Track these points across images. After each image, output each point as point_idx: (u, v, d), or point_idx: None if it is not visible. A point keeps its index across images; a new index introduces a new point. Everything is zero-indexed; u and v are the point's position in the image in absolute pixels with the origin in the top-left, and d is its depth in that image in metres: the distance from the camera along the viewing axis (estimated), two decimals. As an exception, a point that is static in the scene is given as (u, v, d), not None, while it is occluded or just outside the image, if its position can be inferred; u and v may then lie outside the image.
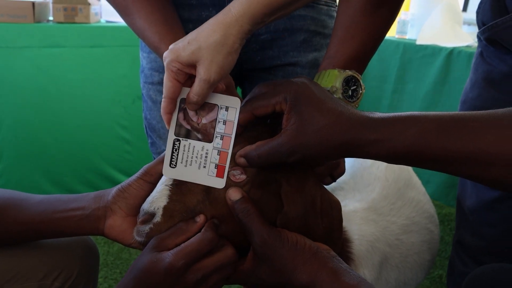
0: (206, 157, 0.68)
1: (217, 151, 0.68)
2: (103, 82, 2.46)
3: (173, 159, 0.68)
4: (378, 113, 0.62)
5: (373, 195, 1.16)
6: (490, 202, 1.22)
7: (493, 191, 1.21)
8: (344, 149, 0.60)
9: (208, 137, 0.68)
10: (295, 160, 0.62)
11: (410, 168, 1.31)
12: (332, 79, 0.81)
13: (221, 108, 0.68)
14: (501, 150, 0.56)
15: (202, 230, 0.65)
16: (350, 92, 0.82)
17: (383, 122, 0.59)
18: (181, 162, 0.68)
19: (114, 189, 0.74)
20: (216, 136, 0.68)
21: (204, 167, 0.68)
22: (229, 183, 0.68)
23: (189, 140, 0.68)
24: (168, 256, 0.63)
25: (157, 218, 0.67)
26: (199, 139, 0.68)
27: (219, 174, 0.68)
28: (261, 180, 0.68)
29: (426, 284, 1.98)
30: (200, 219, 0.67)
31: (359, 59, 0.86)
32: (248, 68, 1.09)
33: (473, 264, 1.31)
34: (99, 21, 2.58)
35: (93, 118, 2.49)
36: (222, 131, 0.68)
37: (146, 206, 0.68)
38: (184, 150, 0.68)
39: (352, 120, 0.60)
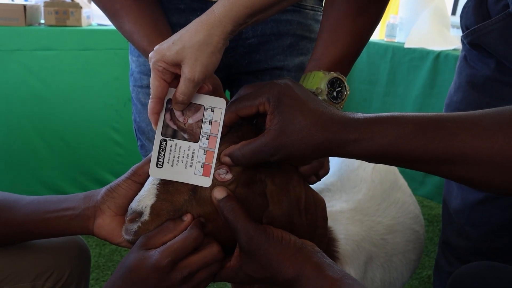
0: (192, 156, 0.69)
1: (203, 150, 0.69)
2: (94, 85, 2.46)
3: (159, 159, 0.69)
4: (359, 113, 0.63)
5: (359, 196, 1.18)
6: (474, 204, 1.24)
7: (477, 193, 1.23)
8: (325, 148, 0.62)
9: (194, 137, 0.69)
10: (279, 159, 0.63)
11: (396, 170, 1.33)
12: (317, 81, 0.82)
13: (207, 108, 0.69)
14: (477, 150, 0.57)
15: (188, 228, 0.67)
16: (334, 94, 0.83)
17: (363, 122, 0.61)
18: (168, 162, 0.69)
19: (103, 189, 0.76)
20: (202, 136, 0.69)
21: (191, 166, 0.69)
22: (215, 183, 0.69)
23: (176, 140, 0.69)
24: (154, 254, 0.64)
25: (145, 217, 0.68)
26: (185, 139, 0.69)
27: (206, 173, 0.69)
28: (247, 180, 0.69)
29: (415, 284, 2.00)
30: (187, 218, 0.68)
31: (344, 61, 0.87)
32: (235, 72, 1.10)
33: (458, 264, 1.32)
34: (90, 25, 2.59)
35: (85, 121, 2.49)
36: (208, 131, 0.69)
37: (134, 205, 0.70)
38: (170, 150, 0.69)
39: (333, 120, 0.61)
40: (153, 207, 0.69)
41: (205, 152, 0.69)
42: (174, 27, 1.00)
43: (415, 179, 2.65)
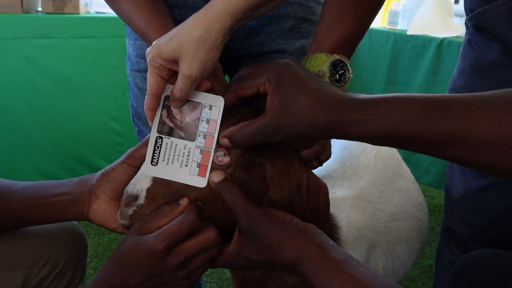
0: (188, 155, 0.68)
1: (199, 150, 0.68)
2: (93, 73, 2.44)
3: (154, 157, 0.68)
4: (363, 94, 0.62)
5: (361, 183, 1.16)
6: (478, 190, 1.22)
7: (481, 179, 1.21)
8: (327, 129, 0.60)
9: (191, 136, 0.68)
10: (279, 140, 0.62)
11: (399, 157, 1.31)
12: (319, 63, 0.80)
13: (205, 106, 0.67)
14: (485, 131, 0.56)
15: (184, 212, 0.65)
16: (337, 77, 0.81)
17: (367, 102, 0.59)
18: (163, 160, 0.68)
19: (98, 174, 0.74)
20: (199, 135, 0.68)
21: (186, 165, 0.68)
22: (213, 166, 0.68)
23: (172, 138, 0.68)
24: (149, 238, 0.63)
25: (141, 201, 0.67)
26: (181, 138, 0.68)
27: (201, 173, 0.67)
28: (246, 163, 0.68)
29: (416, 273, 1.99)
30: (184, 202, 0.67)
31: (347, 44, 0.85)
32: (235, 55, 1.08)
33: (460, 252, 1.31)
34: (89, 12, 2.56)
35: (83, 110, 2.47)
36: (205, 130, 0.67)
37: (129, 188, 0.68)
38: (166, 148, 0.68)
39: (336, 100, 0.60)
40: (149, 190, 0.67)
41: (201, 151, 0.68)
42: (172, 8, 0.98)
43: (419, 167, 2.63)
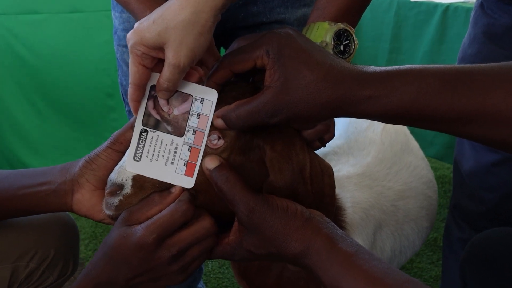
0: (175, 152, 0.62)
1: (188, 146, 0.62)
2: (85, 49, 2.36)
3: (138, 152, 0.62)
4: (373, 66, 0.56)
5: (368, 160, 1.11)
6: (489, 166, 1.18)
7: (492, 154, 1.17)
8: (335, 107, 0.54)
9: (179, 131, 0.62)
10: (279, 121, 0.56)
11: (407, 132, 1.26)
12: (321, 33, 0.74)
13: (196, 99, 0.61)
14: None
15: (176, 201, 0.60)
16: (341, 48, 0.76)
17: (379, 76, 0.53)
18: (147, 156, 0.62)
19: (81, 161, 0.68)
20: (188, 130, 0.61)
21: (172, 163, 0.62)
22: (207, 150, 0.62)
23: (158, 132, 0.62)
24: (138, 230, 0.58)
25: (127, 190, 0.62)
26: (168, 132, 0.62)
27: (188, 173, 0.62)
28: (242, 146, 0.62)
29: (421, 247, 1.96)
30: (176, 190, 0.61)
31: (352, 11, 0.79)
32: (231, 27, 1.01)
33: (469, 229, 1.29)
34: (77, -15, 2.46)
35: (77, 88, 2.40)
36: (195, 125, 0.61)
37: (113, 176, 0.63)
38: (151, 143, 0.62)
39: (344, 74, 0.54)
40: (135, 178, 0.62)
41: (190, 148, 0.61)
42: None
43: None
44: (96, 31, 2.34)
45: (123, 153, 0.65)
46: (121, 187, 0.62)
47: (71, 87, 2.38)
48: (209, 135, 0.61)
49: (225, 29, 1.02)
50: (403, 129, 1.24)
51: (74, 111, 2.43)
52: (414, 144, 1.24)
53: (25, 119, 2.34)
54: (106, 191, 0.63)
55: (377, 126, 1.18)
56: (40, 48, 2.28)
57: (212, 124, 0.61)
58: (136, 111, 0.61)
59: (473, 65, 0.54)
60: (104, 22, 2.34)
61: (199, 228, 0.60)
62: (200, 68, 0.62)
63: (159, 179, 0.62)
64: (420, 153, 1.23)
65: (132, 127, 0.63)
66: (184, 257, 0.61)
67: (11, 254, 0.82)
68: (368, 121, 1.20)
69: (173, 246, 0.59)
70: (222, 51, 1.04)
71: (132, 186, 0.62)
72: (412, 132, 1.28)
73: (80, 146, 2.48)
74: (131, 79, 0.58)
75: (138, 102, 0.60)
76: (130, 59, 0.57)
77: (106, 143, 0.67)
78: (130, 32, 0.56)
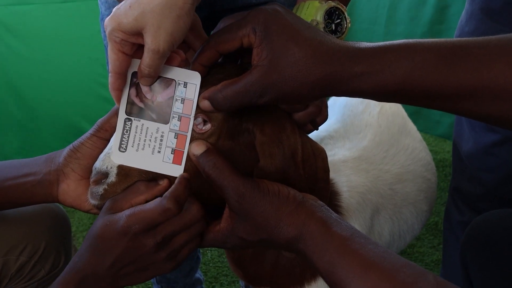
0: (161, 140, 0.60)
1: (174, 134, 0.60)
2: (77, 39, 2.33)
3: (123, 142, 0.60)
4: (365, 42, 0.53)
5: (364, 143, 1.09)
6: (488, 147, 1.17)
7: (492, 135, 1.15)
8: (325, 84, 0.52)
9: (164, 118, 0.60)
10: (268, 101, 0.54)
11: (404, 114, 1.24)
12: (312, 12, 0.71)
13: (179, 84, 0.59)
14: None
15: (163, 197, 0.57)
16: (333, 27, 0.73)
17: (371, 52, 0.51)
18: (132, 146, 0.60)
19: (66, 150, 0.66)
20: (173, 117, 0.59)
21: (159, 152, 0.60)
22: (193, 136, 0.60)
23: (142, 121, 0.60)
24: (121, 217, 0.56)
25: (112, 178, 0.60)
26: (153, 120, 0.60)
27: (176, 161, 0.60)
28: (230, 130, 0.60)
29: (422, 231, 1.95)
30: (164, 183, 0.59)
31: None
32: (219, 9, 0.98)
33: (470, 212, 1.27)
34: (68, -26, 2.43)
35: (70, 78, 2.37)
36: (180, 111, 0.59)
37: (98, 164, 0.61)
38: (136, 132, 0.60)
39: (334, 51, 0.52)
40: (120, 166, 0.60)
41: (176, 135, 0.60)
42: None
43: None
44: (87, 21, 2.31)
45: (109, 141, 0.63)
46: (106, 175, 0.60)
47: (65, 78, 2.35)
48: (194, 118, 0.59)
49: (213, 11, 0.98)
50: (400, 111, 1.22)
51: (66, 101, 2.40)
52: (412, 126, 1.22)
53: (16, 110, 2.32)
54: (91, 180, 0.61)
55: (374, 109, 1.16)
56: (31, 38, 2.24)
57: (198, 106, 0.58)
58: (119, 100, 0.59)
59: (470, 38, 0.52)
60: (96, 11, 2.25)
61: (186, 214, 0.58)
62: (181, 51, 0.60)
63: (146, 169, 0.60)
64: (418, 135, 1.21)
65: (116, 114, 0.61)
66: (171, 244, 0.58)
67: (1, 247, 0.80)
68: (364, 104, 1.18)
69: (158, 233, 0.57)
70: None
71: (117, 174, 0.60)
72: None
73: (73, 136, 2.47)
74: (111, 67, 0.56)
75: (119, 91, 0.58)
76: (109, 47, 0.55)
77: (90, 131, 0.65)
78: (107, 19, 0.54)
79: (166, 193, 0.57)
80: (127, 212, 0.56)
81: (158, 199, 0.57)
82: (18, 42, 2.23)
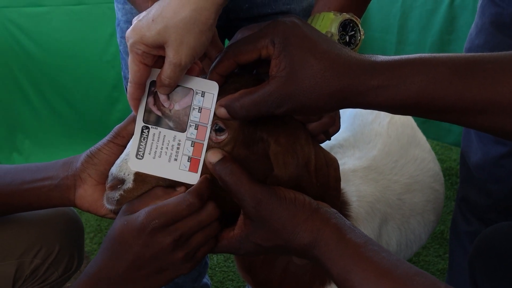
0: (178, 148, 0.61)
1: (190, 142, 0.61)
2: (90, 42, 2.36)
3: (140, 149, 0.61)
4: (381, 56, 0.54)
5: (374, 153, 1.10)
6: (497, 158, 1.17)
7: (500, 146, 1.16)
8: (342, 97, 0.53)
9: (181, 126, 0.61)
10: (285, 111, 0.55)
11: (414, 124, 1.24)
12: (327, 24, 0.73)
13: (197, 93, 0.60)
14: None
15: (186, 193, 0.58)
16: (347, 38, 0.75)
17: (387, 65, 0.52)
18: (149, 153, 0.61)
19: (83, 155, 0.67)
20: (190, 125, 0.60)
21: (176, 159, 0.61)
22: (210, 145, 0.61)
23: (159, 129, 0.61)
24: (140, 214, 0.57)
25: (128, 184, 0.61)
26: (170, 128, 0.61)
27: (193, 169, 0.61)
28: (246, 139, 0.61)
29: (428, 240, 1.94)
30: (181, 189, 0.60)
31: (358, 1, 0.77)
32: (234, 18, 0.99)
33: (477, 222, 1.27)
34: (81, -22, 2.45)
35: (82, 80, 2.40)
36: (197, 119, 0.60)
37: (114, 170, 0.62)
38: (153, 140, 0.61)
39: (351, 63, 0.52)
40: (137, 173, 0.61)
41: (193, 143, 0.61)
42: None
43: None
44: (100, 24, 2.34)
45: (125, 147, 0.64)
46: (122, 181, 0.61)
47: (77, 80, 2.39)
48: (212, 125, 0.60)
49: (229, 20, 1.00)
50: (409, 122, 1.23)
51: (79, 103, 2.43)
52: (421, 136, 1.22)
53: (30, 111, 2.35)
54: (107, 185, 0.62)
55: (383, 119, 1.16)
56: (45, 40, 2.28)
57: (215, 114, 0.59)
58: (136, 109, 0.60)
59: (484, 53, 0.53)
60: (108, 14, 2.33)
61: (202, 211, 0.59)
62: (198, 61, 0.61)
63: (163, 177, 0.61)
64: (427, 145, 1.21)
65: (133, 120, 0.62)
66: (188, 243, 0.59)
67: (16, 249, 0.81)
68: (374, 114, 1.18)
69: (176, 230, 0.57)
70: (226, 43, 1.03)
71: (134, 180, 0.61)
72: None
73: (86, 138, 2.49)
74: (131, 77, 0.57)
75: (138, 101, 0.59)
76: (130, 58, 0.56)
77: (107, 137, 0.66)
78: (128, 30, 0.55)
79: (189, 190, 0.58)
80: (146, 209, 0.57)
81: (181, 195, 0.57)
82: (33, 43, 2.27)
